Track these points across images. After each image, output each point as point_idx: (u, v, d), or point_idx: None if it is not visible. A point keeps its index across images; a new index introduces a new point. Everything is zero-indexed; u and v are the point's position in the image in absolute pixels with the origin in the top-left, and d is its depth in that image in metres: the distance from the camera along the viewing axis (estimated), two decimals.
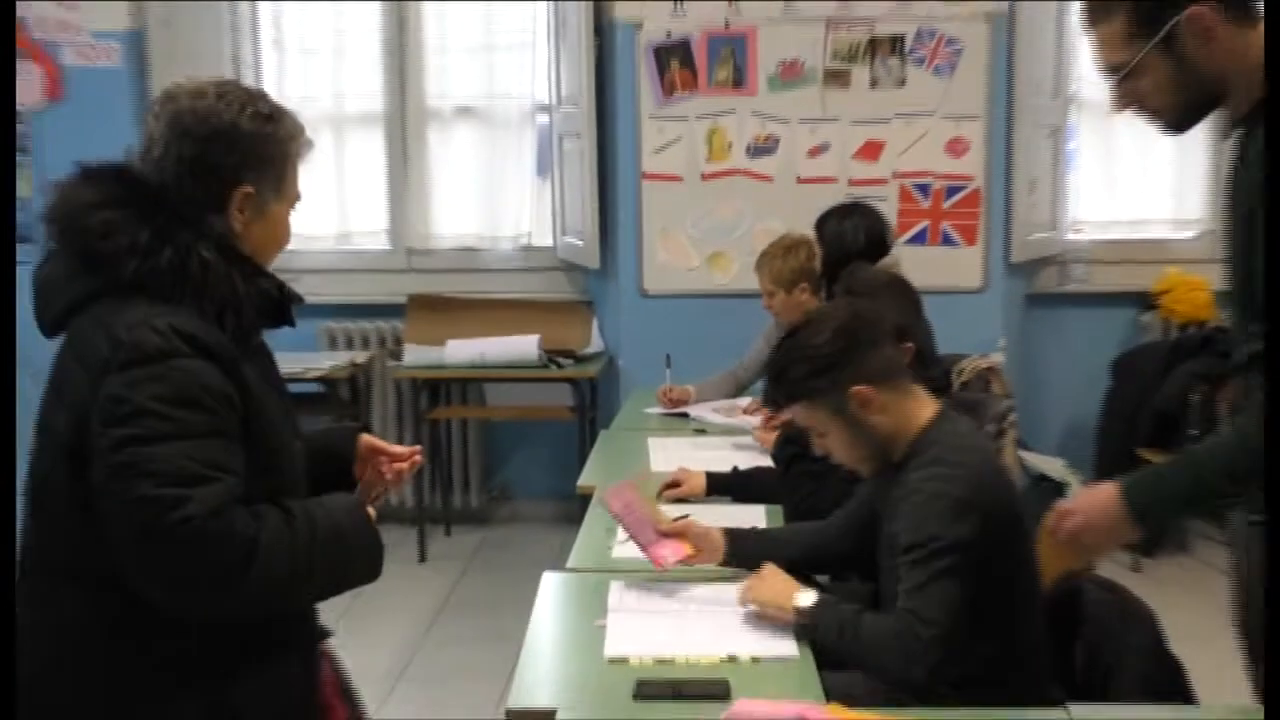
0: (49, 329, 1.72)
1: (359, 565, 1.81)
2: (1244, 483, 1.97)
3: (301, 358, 5.16)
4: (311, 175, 5.90)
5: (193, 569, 1.59)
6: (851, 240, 3.78)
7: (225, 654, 1.72)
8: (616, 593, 2.48)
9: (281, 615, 1.78)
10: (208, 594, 1.62)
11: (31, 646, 1.70)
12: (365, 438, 2.09)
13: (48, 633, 1.70)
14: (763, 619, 2.32)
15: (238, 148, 1.74)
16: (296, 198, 1.88)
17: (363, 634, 4.33)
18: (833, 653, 2.23)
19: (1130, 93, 2.08)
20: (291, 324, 1.88)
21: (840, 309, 2.62)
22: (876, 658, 2.21)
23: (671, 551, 2.52)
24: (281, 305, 1.84)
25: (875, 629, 2.25)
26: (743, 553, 2.55)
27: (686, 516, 2.65)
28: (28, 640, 1.70)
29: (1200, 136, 5.39)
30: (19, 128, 5.21)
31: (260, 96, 1.82)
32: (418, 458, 2.11)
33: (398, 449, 2.12)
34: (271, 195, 1.80)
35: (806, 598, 2.27)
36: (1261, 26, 1.99)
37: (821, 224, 3.88)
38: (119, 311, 1.63)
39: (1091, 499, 2.14)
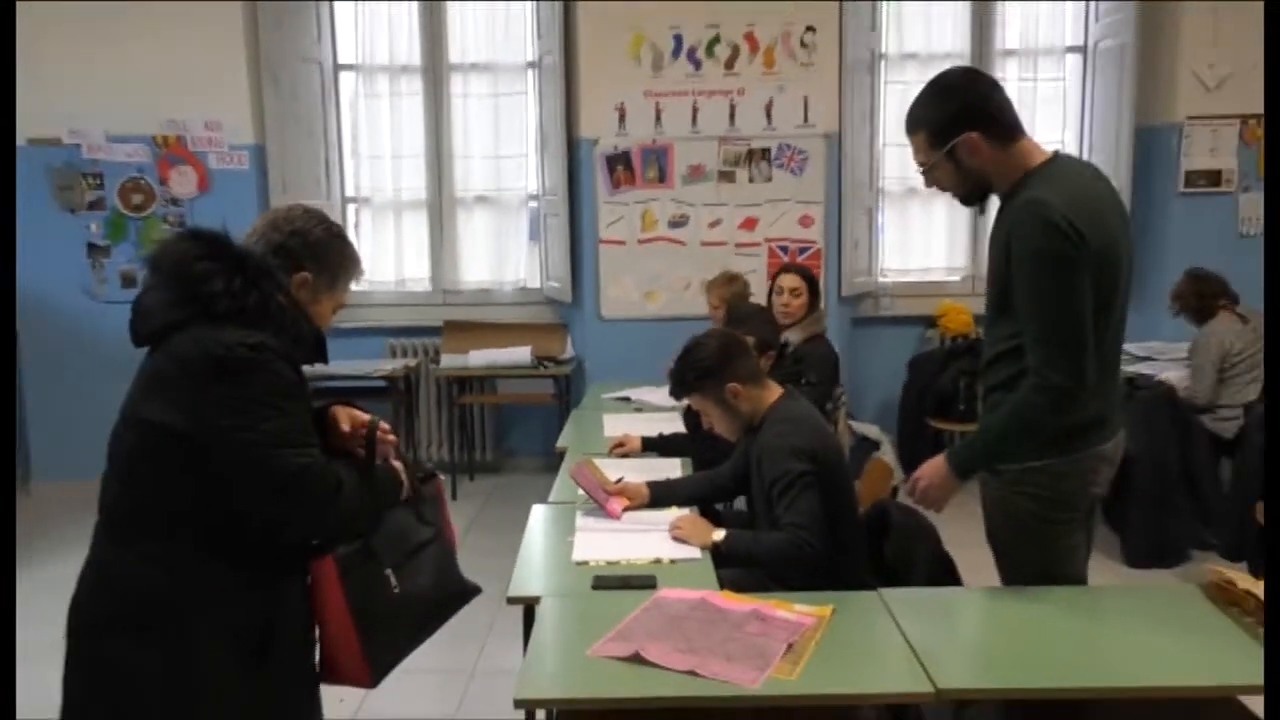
0: (142, 341, 1.61)
1: (387, 499, 1.74)
2: (1001, 454, 2.05)
3: (372, 363, 5.14)
4: (381, 242, 5.86)
5: (311, 502, 1.56)
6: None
7: (260, 578, 1.61)
8: (579, 520, 2.48)
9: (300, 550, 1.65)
10: (317, 519, 1.60)
11: (99, 594, 1.59)
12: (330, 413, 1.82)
13: (134, 561, 1.57)
14: (681, 543, 2.31)
15: (306, 245, 1.71)
16: (340, 303, 1.80)
17: None
18: (744, 564, 2.24)
19: (932, 180, 2.14)
20: (325, 362, 1.79)
21: (719, 334, 2.64)
22: (778, 559, 2.23)
23: (617, 504, 2.51)
24: (320, 347, 1.76)
25: (772, 541, 2.28)
26: (661, 496, 2.55)
27: (621, 479, 2.61)
28: (97, 587, 1.59)
29: (965, 212, 5.47)
30: (178, 210, 5.14)
31: (334, 222, 1.80)
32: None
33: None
34: (324, 289, 1.74)
35: (719, 534, 2.29)
36: (1021, 142, 2.05)
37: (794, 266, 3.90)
38: (214, 333, 1.54)
39: (931, 467, 2.11)
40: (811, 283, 3.87)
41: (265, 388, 1.54)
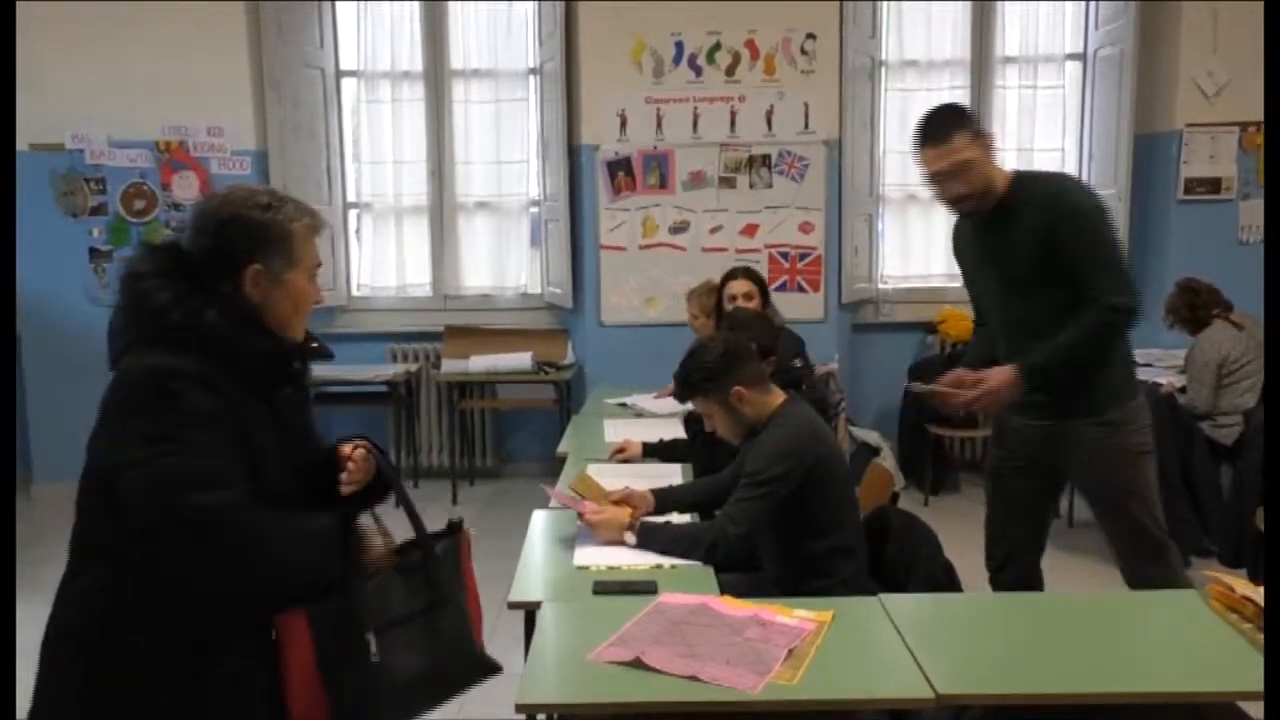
0: (112, 365, 1.52)
1: (318, 566, 1.51)
2: (1070, 365, 2.43)
3: (374, 368, 5.15)
4: (382, 247, 5.86)
5: (213, 552, 1.39)
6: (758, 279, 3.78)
7: (198, 639, 1.46)
8: (582, 527, 2.45)
9: (242, 606, 1.48)
10: (223, 572, 1.42)
11: (58, 609, 1.52)
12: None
13: (74, 596, 1.51)
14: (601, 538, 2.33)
15: (244, 234, 1.53)
16: (314, 265, 1.61)
17: None
18: (667, 551, 2.25)
19: (956, 186, 2.52)
20: (290, 382, 1.59)
21: (724, 338, 2.65)
22: (694, 543, 2.25)
23: (589, 506, 2.45)
24: (282, 363, 1.56)
25: (697, 526, 2.36)
26: (665, 502, 2.53)
27: (627, 487, 2.58)
28: (57, 603, 1.53)
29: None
30: (180, 215, 5.14)
31: (261, 192, 1.59)
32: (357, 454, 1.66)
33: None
34: (283, 268, 1.55)
35: (630, 538, 2.31)
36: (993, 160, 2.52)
37: (744, 270, 3.85)
38: (141, 359, 1.45)
39: (1001, 372, 2.45)
40: (761, 284, 3.78)
41: (174, 419, 1.40)
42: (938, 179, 2.49)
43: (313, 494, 1.59)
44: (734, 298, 3.74)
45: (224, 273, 1.52)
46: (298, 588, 1.48)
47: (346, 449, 1.63)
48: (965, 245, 2.71)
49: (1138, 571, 2.56)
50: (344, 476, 1.61)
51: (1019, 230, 2.45)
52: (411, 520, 1.64)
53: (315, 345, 1.69)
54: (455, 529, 1.67)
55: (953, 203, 2.55)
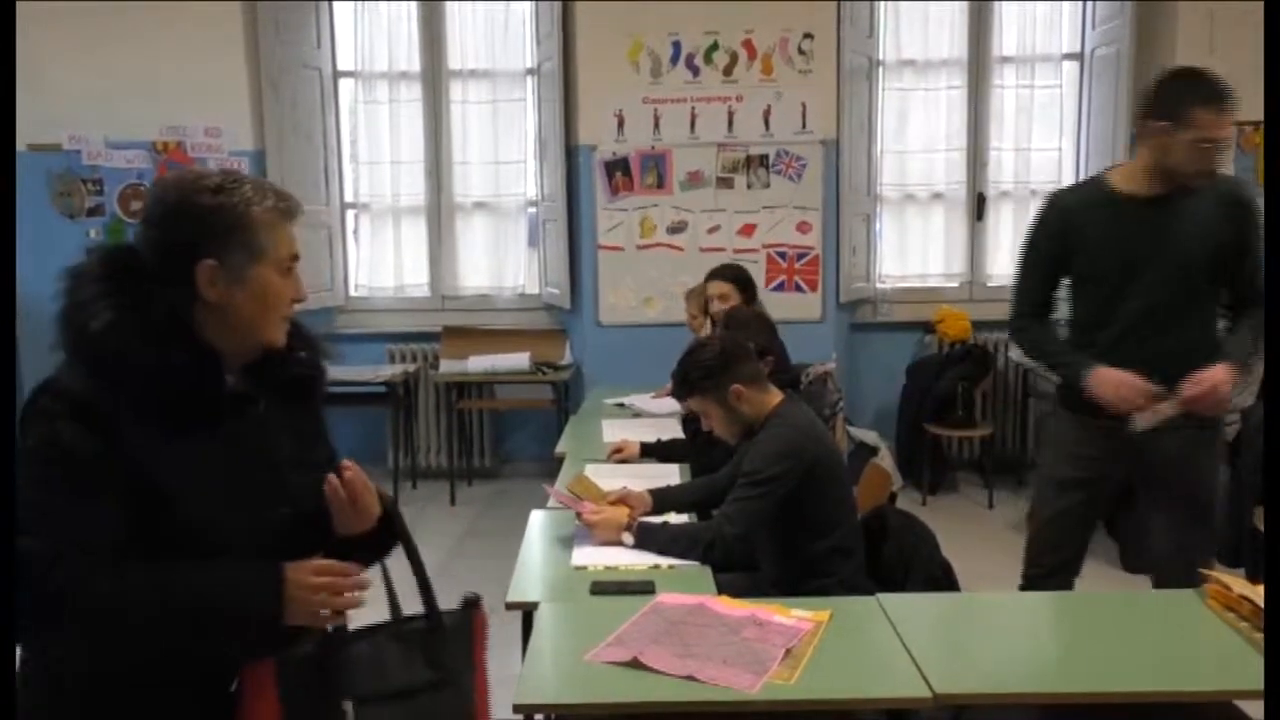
0: None
1: (193, 626, 1.25)
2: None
3: (372, 368, 5.14)
4: (379, 248, 5.87)
5: (23, 599, 1.19)
6: (745, 280, 3.75)
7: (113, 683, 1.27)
8: (579, 527, 2.46)
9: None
10: (33, 632, 1.23)
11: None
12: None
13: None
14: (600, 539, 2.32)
15: (189, 225, 1.29)
16: (286, 258, 1.35)
17: None
18: (665, 551, 2.25)
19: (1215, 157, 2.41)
20: (219, 403, 1.31)
21: (721, 337, 2.65)
22: (691, 543, 2.25)
23: (588, 506, 2.46)
24: (202, 384, 1.28)
25: (695, 526, 2.36)
26: (663, 502, 2.54)
27: (624, 487, 2.57)
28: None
29: (963, 218, 5.48)
30: None
31: (214, 173, 1.35)
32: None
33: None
34: (244, 261, 1.30)
35: (628, 539, 2.31)
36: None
37: (720, 272, 3.84)
38: (59, 371, 1.29)
39: (1220, 371, 2.29)
40: (742, 283, 3.73)
41: (33, 449, 1.23)
42: (1218, 145, 2.36)
43: (314, 537, 1.37)
44: (712, 299, 3.74)
45: (173, 272, 1.28)
46: (169, 652, 1.25)
47: (345, 474, 1.38)
48: (1098, 228, 2.44)
49: (1188, 576, 2.28)
50: (332, 504, 1.37)
51: (1197, 218, 2.37)
52: (420, 584, 1.41)
53: (301, 354, 1.43)
54: (471, 605, 1.45)
55: (1202, 175, 2.36)
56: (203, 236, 1.29)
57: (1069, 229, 2.48)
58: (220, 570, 1.27)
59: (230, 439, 1.32)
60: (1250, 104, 5.30)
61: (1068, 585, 2.60)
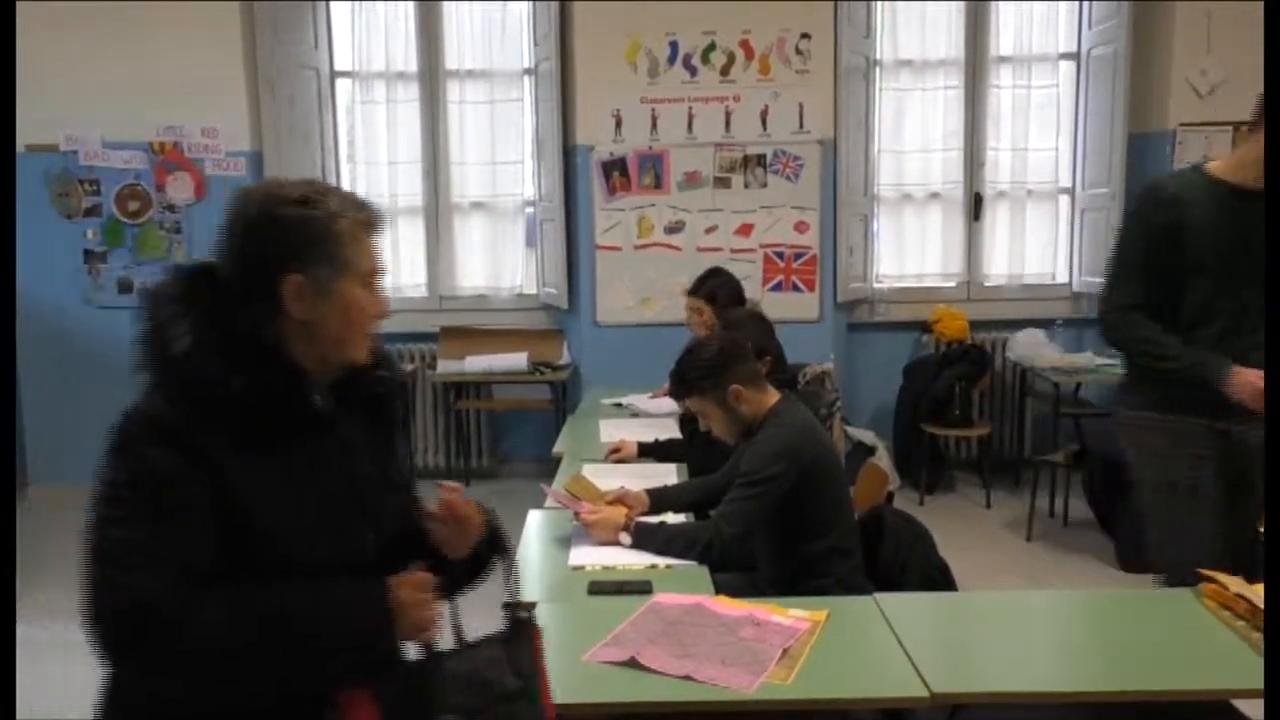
0: None
1: (323, 655, 1.21)
2: None
3: None
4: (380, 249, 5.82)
5: (119, 646, 1.15)
6: (724, 293, 3.77)
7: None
8: (577, 527, 2.45)
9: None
10: (138, 671, 1.18)
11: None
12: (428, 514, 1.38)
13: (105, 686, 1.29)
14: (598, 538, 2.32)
15: (273, 238, 1.25)
16: (370, 271, 1.31)
17: None
18: (663, 551, 2.26)
19: None
20: (320, 427, 1.29)
21: (719, 337, 2.65)
22: (689, 543, 2.25)
23: (586, 506, 2.46)
24: (286, 403, 1.25)
25: (692, 526, 2.36)
26: (660, 502, 2.54)
27: (622, 486, 2.58)
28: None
29: (960, 218, 5.49)
30: (175, 216, 5.13)
31: (298, 184, 1.30)
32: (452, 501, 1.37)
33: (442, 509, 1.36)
34: (330, 275, 1.26)
35: (626, 538, 2.31)
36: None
37: (700, 285, 3.85)
38: (138, 400, 1.24)
39: (1246, 375, 2.22)
40: (711, 298, 3.73)
41: (124, 478, 1.18)
42: None
43: (395, 558, 1.32)
44: (690, 313, 3.78)
45: (257, 289, 1.24)
46: (282, 681, 1.20)
47: (443, 495, 1.34)
48: (1208, 219, 2.32)
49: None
50: (435, 525, 1.33)
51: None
52: (511, 593, 1.39)
53: (381, 373, 1.40)
54: (526, 624, 1.39)
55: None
56: (288, 250, 1.25)
57: (1181, 220, 2.31)
58: (326, 589, 1.23)
59: (316, 461, 1.28)
60: (1246, 103, 5.30)
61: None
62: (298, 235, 1.25)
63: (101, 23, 4.96)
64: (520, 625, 1.38)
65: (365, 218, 1.31)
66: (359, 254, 1.29)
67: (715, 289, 3.78)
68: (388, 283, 4.93)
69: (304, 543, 1.24)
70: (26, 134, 4.97)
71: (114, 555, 1.15)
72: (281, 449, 1.24)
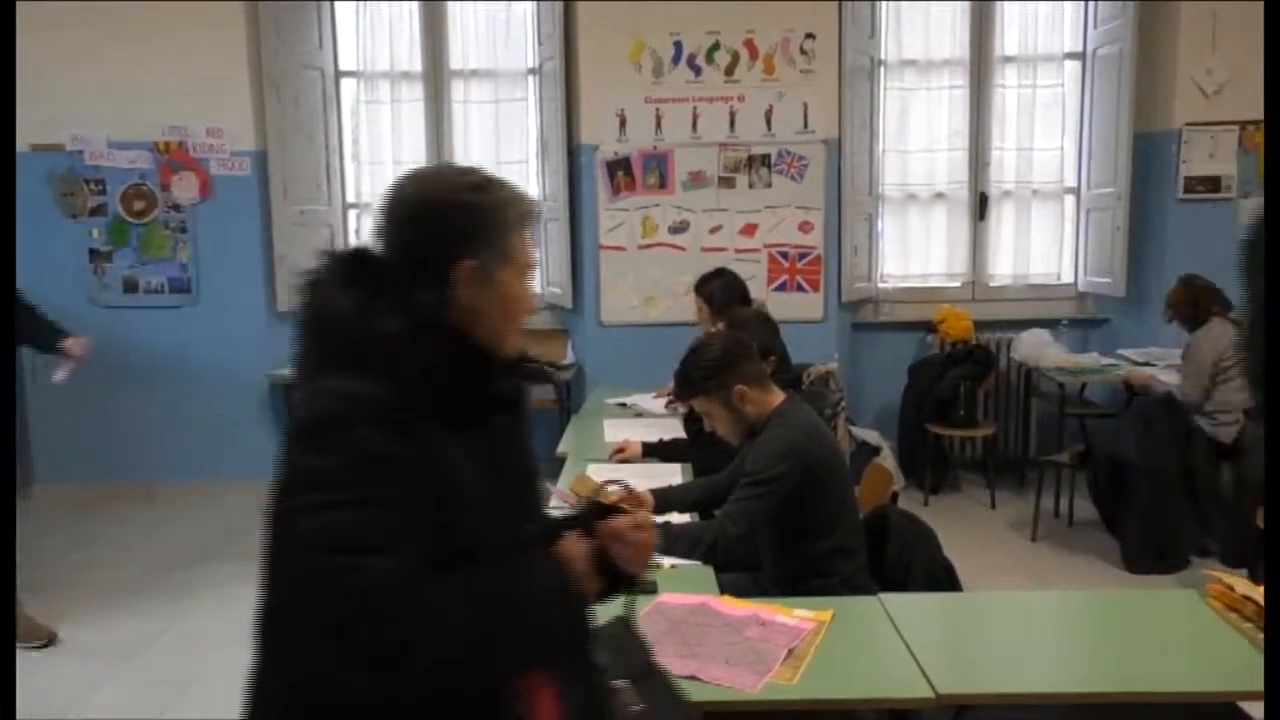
0: (289, 403, 1.34)
1: (543, 634, 1.19)
2: None
3: None
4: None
5: (362, 641, 1.06)
6: (721, 296, 3.78)
7: None
8: None
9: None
10: (378, 669, 1.06)
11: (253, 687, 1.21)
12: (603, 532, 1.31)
13: (262, 691, 1.21)
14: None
15: (452, 223, 1.23)
16: (528, 264, 1.30)
17: None
18: (667, 551, 2.25)
19: None
20: (503, 409, 1.28)
21: (723, 336, 2.66)
22: (694, 543, 2.26)
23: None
24: (489, 385, 1.25)
25: (697, 526, 2.37)
26: (665, 502, 2.54)
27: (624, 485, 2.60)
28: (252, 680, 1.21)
29: (965, 218, 5.48)
30: (180, 216, 5.14)
31: (469, 170, 1.29)
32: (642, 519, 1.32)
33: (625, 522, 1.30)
34: (496, 264, 1.24)
35: None
36: None
37: (702, 285, 3.87)
38: (322, 381, 1.17)
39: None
40: (709, 299, 3.75)
41: (343, 459, 1.11)
42: None
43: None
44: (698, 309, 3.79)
45: (427, 273, 1.21)
46: (493, 676, 1.16)
47: (639, 516, 1.30)
48: None
49: None
50: (617, 540, 1.28)
51: None
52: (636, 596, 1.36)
53: (532, 363, 1.40)
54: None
55: None
56: (464, 235, 1.23)
57: None
58: (534, 570, 1.21)
59: (497, 445, 1.27)
60: (1252, 103, 5.30)
61: None
62: (474, 221, 1.24)
63: (107, 23, 4.97)
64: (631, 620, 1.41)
65: (528, 210, 1.30)
66: (520, 245, 1.28)
67: (713, 291, 3.79)
68: None
69: (493, 527, 1.22)
70: (32, 134, 4.98)
71: (341, 541, 1.07)
72: (474, 432, 1.22)
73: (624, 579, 1.30)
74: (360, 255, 1.26)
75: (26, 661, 3.33)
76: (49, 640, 3.42)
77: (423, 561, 1.11)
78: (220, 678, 3.23)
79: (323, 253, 1.27)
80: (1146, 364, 4.66)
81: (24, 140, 4.93)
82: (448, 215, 1.24)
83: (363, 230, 5.55)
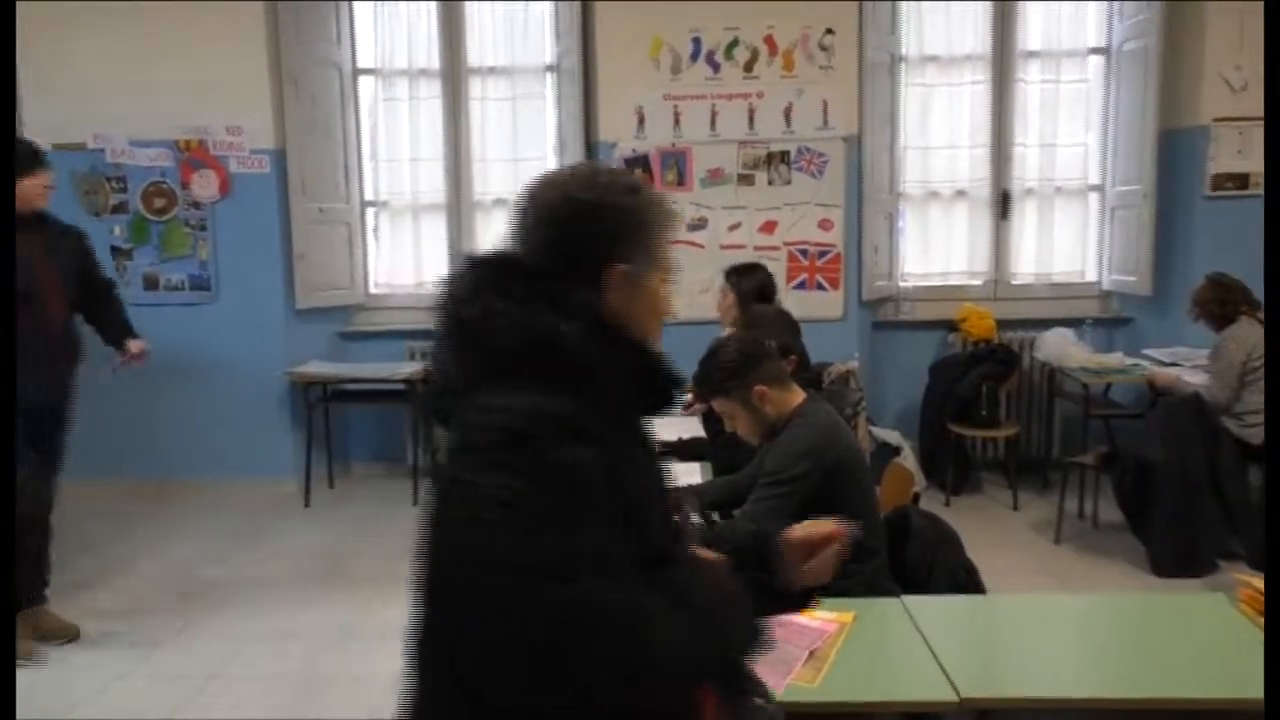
0: (440, 418, 1.18)
1: (728, 638, 1.17)
2: None
3: (391, 366, 5.17)
4: (399, 245, 5.83)
5: (575, 662, 1.00)
6: (753, 293, 3.76)
7: None
8: None
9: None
10: (583, 690, 1.01)
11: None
12: (787, 541, 1.37)
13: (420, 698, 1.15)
14: None
15: (606, 225, 1.19)
16: (669, 268, 1.26)
17: None
18: None
19: None
20: (669, 405, 1.23)
21: (742, 337, 2.64)
22: (713, 543, 2.24)
23: None
24: (659, 384, 1.21)
25: (717, 526, 2.30)
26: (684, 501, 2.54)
27: None
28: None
29: (987, 215, 5.44)
30: (200, 213, 5.17)
31: (618, 173, 1.28)
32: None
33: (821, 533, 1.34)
34: (643, 267, 1.21)
35: None
36: None
37: (736, 277, 3.85)
38: (490, 396, 1.10)
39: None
40: (740, 294, 3.74)
41: (540, 477, 1.04)
42: None
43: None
44: (721, 295, 3.79)
45: (578, 277, 1.17)
46: (686, 691, 1.12)
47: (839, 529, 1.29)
48: None
49: None
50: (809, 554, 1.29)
51: None
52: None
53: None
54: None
55: None
56: (617, 238, 1.20)
57: None
58: (702, 581, 1.18)
59: (648, 448, 1.24)
60: None
61: None
62: (627, 223, 1.21)
63: (127, 23, 5.01)
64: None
65: (670, 214, 1.28)
66: (665, 248, 1.25)
67: (748, 286, 3.77)
68: (409, 279, 4.91)
69: (665, 534, 1.19)
70: (54, 133, 5.02)
71: (553, 562, 1.01)
72: (641, 438, 1.20)
73: (792, 597, 1.29)
74: (507, 260, 1.20)
75: (49, 657, 3.36)
76: (72, 636, 3.46)
77: (630, 574, 1.07)
78: (238, 675, 3.26)
79: (462, 257, 1.23)
80: (1173, 364, 4.60)
81: (46, 139, 4.97)
82: (603, 217, 1.19)
83: (381, 228, 5.58)
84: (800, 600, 1.32)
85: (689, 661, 1.08)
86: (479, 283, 1.17)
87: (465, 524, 1.04)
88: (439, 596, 1.08)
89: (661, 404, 1.22)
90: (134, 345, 3.74)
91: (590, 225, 1.19)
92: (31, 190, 3.48)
